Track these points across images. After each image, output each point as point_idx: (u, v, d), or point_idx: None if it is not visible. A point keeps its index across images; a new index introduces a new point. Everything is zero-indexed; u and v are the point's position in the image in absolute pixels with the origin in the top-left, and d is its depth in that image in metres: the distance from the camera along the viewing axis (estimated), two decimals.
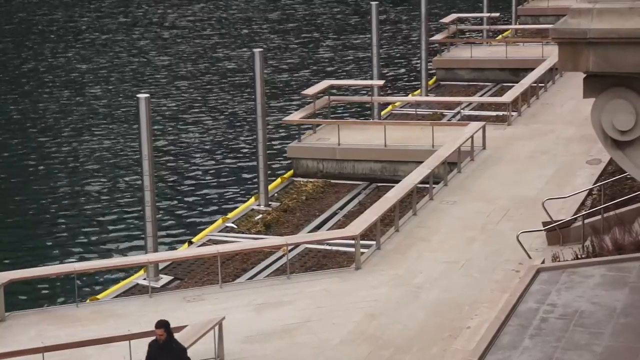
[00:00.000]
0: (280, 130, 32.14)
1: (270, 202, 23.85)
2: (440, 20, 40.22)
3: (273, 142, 30.56)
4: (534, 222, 18.98)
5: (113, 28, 54.33)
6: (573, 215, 18.96)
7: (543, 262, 16.85)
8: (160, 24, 55.30)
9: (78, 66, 44.38)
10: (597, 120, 10.55)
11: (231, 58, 45.35)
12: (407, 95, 35.31)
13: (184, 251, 20.66)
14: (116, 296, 18.65)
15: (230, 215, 23.46)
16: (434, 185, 21.87)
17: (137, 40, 50.93)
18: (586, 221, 18.04)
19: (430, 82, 35.30)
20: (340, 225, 22.03)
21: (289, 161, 27.11)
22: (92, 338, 14.55)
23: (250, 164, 29.10)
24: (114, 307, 16.81)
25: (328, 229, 22.11)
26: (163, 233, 23.66)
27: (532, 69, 31.22)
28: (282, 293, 16.98)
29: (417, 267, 17.82)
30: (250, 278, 19.16)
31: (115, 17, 57.92)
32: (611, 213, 17.77)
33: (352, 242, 18.49)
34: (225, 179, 28.75)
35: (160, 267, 19.66)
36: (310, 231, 22.08)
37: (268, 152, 24.84)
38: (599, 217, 17.94)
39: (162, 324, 12.42)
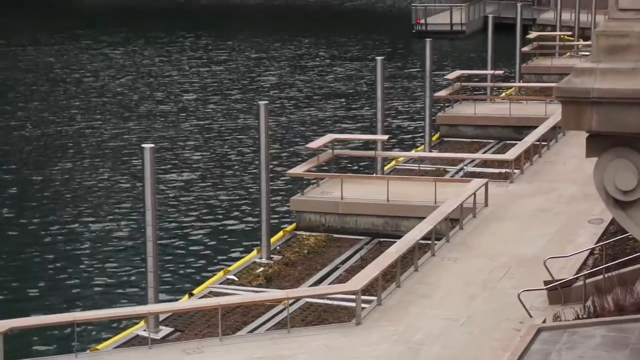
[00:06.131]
0: (284, 183, 32.18)
1: (272, 255, 23.82)
2: (445, 77, 40.42)
3: (276, 195, 30.59)
4: (535, 281, 18.94)
5: (117, 74, 54.69)
6: (575, 275, 18.91)
7: (544, 322, 16.79)
8: (166, 72, 55.64)
9: (82, 107, 44.60)
10: (600, 180, 10.57)
11: (237, 110, 45.56)
12: (410, 150, 35.39)
13: (184, 303, 20.61)
14: (116, 347, 18.57)
15: (231, 267, 23.44)
16: (435, 242, 21.86)
17: (142, 87, 51.19)
18: (588, 281, 18.00)
19: (434, 137, 35.41)
20: (342, 279, 21.98)
21: (291, 214, 27.12)
22: None
23: (252, 216, 29.11)
24: (113, 358, 16.73)
25: (329, 284, 22.08)
26: (164, 283, 23.62)
27: (536, 127, 31.30)
28: (282, 347, 16.91)
29: (418, 323, 17.75)
30: (251, 331, 19.09)
31: (121, 65, 58.32)
32: (613, 273, 17.73)
33: (353, 297, 18.44)
34: (227, 231, 28.75)
35: (160, 319, 19.60)
36: (312, 285, 22.04)
37: (271, 204, 24.85)
38: (601, 277, 17.90)
39: None
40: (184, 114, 44.73)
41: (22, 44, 67.26)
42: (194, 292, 21.91)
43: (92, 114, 44.75)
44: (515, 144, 30.20)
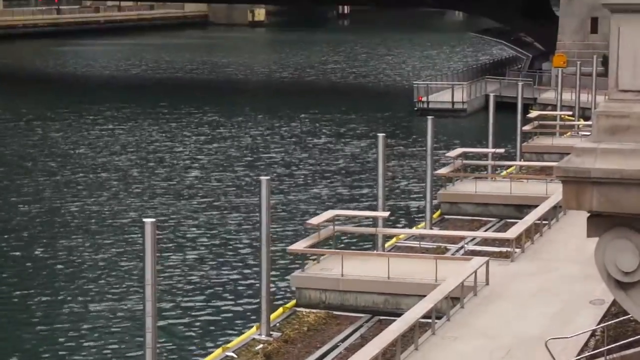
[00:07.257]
0: (284, 259, 32.11)
1: (271, 332, 23.67)
2: (446, 154, 40.57)
3: (276, 271, 30.50)
4: None
5: (121, 149, 54.91)
6: (576, 356, 18.78)
7: None
8: (170, 148, 55.87)
9: (86, 183, 44.70)
10: (601, 260, 10.56)
11: (239, 185, 45.65)
12: (411, 227, 35.37)
13: None
14: None
15: (230, 344, 23.28)
16: (436, 320, 21.74)
17: (146, 163, 51.35)
18: None
19: (435, 215, 35.41)
20: (342, 358, 21.83)
21: (291, 290, 27.01)
22: None
23: (252, 292, 28.99)
24: None
25: None
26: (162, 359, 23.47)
27: (537, 206, 31.31)
28: None
29: None
30: None
31: (126, 140, 58.60)
32: (615, 355, 17.60)
33: None
34: (226, 307, 28.62)
35: None
36: None
37: (271, 280, 24.75)
38: (603, 359, 17.77)
39: None
40: (187, 190, 44.80)
41: (27, 119, 67.59)
42: None
43: (96, 189, 44.82)
44: (516, 222, 30.17)
